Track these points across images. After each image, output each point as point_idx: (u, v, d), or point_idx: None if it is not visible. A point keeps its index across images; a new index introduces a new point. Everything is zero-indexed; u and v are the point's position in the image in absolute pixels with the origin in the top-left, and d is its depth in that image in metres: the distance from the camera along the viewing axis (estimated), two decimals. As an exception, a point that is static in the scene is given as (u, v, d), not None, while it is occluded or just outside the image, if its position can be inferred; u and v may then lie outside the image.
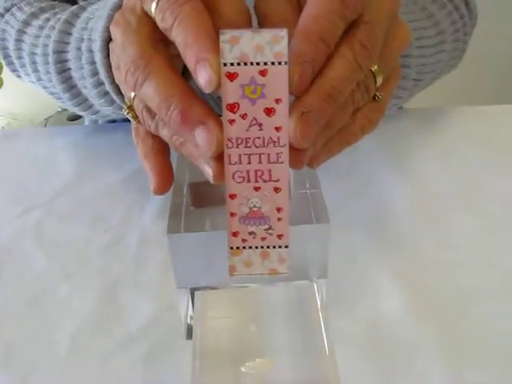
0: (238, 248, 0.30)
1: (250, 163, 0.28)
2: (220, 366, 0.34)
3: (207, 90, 0.27)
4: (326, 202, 0.36)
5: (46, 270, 0.46)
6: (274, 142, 0.27)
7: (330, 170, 0.41)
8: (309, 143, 0.28)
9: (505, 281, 0.43)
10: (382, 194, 0.53)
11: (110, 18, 0.36)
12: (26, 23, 0.52)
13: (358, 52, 0.29)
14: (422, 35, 0.51)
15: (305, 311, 0.37)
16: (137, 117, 0.33)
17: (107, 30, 0.36)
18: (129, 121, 0.35)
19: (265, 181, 0.28)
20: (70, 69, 0.47)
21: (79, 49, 0.44)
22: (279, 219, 0.29)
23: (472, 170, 0.55)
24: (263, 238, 0.30)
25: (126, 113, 0.34)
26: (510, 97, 1.56)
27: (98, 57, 0.38)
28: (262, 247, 0.30)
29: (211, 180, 0.29)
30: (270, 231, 0.29)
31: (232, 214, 0.29)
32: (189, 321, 0.39)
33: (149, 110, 0.32)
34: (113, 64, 0.36)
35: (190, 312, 0.38)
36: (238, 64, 0.26)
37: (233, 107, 0.27)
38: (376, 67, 0.31)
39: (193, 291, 0.37)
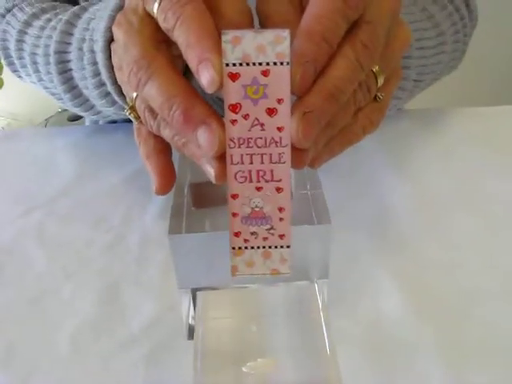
0: (239, 248, 0.30)
1: (251, 163, 0.28)
2: (221, 366, 0.34)
3: (210, 90, 0.27)
4: (327, 203, 0.36)
5: (48, 271, 0.46)
6: (276, 142, 0.27)
7: (331, 171, 0.41)
8: (310, 143, 0.28)
9: (506, 281, 0.44)
10: (382, 194, 0.53)
11: (112, 19, 0.36)
12: (27, 24, 0.52)
13: (360, 52, 0.29)
14: (423, 36, 0.51)
15: (306, 311, 0.37)
16: (139, 117, 0.33)
17: (109, 30, 0.36)
18: (129, 121, 0.35)
19: (267, 181, 0.28)
20: (71, 69, 0.47)
21: (81, 49, 0.44)
22: (281, 219, 0.29)
23: (472, 171, 0.55)
24: (265, 238, 0.30)
25: (128, 113, 0.34)
26: (509, 98, 1.56)
27: (100, 57, 0.38)
28: (263, 247, 0.30)
29: (213, 180, 0.29)
30: (271, 231, 0.29)
31: (234, 214, 0.29)
32: (190, 321, 0.39)
33: (151, 111, 0.32)
34: (115, 65, 0.36)
35: (192, 312, 0.38)
36: (240, 64, 0.26)
37: (235, 107, 0.27)
38: (377, 67, 0.31)
39: (194, 292, 0.37)
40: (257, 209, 0.29)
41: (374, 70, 0.31)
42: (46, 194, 0.55)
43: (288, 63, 0.26)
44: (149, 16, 0.31)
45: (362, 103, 0.32)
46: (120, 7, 0.37)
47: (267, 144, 0.27)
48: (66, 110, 1.58)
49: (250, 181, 0.28)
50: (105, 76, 0.39)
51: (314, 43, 0.28)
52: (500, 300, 0.42)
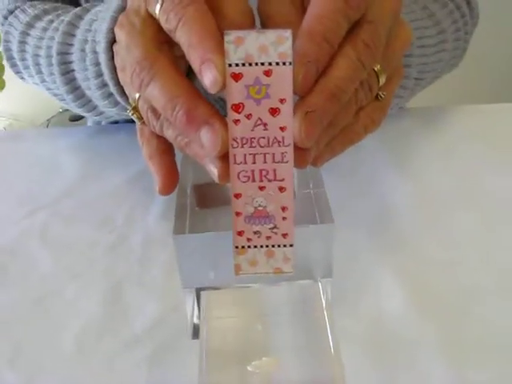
0: (243, 247, 0.30)
1: (254, 163, 0.28)
2: (226, 366, 0.34)
3: (212, 90, 0.27)
4: (329, 202, 0.36)
5: (52, 271, 0.47)
6: (279, 141, 0.28)
7: (332, 170, 0.41)
8: (313, 142, 0.28)
9: (506, 279, 0.44)
10: (383, 192, 0.53)
11: (114, 20, 0.36)
12: (30, 25, 0.52)
13: (362, 51, 0.29)
14: (423, 34, 0.51)
15: (309, 310, 0.37)
16: (141, 118, 0.34)
17: (111, 31, 0.36)
18: (132, 122, 0.35)
19: (270, 180, 0.28)
20: (73, 70, 0.47)
21: (83, 50, 0.44)
22: (284, 218, 0.29)
23: (473, 169, 0.55)
24: (268, 237, 0.30)
25: (130, 114, 0.34)
26: (510, 95, 1.56)
27: (103, 58, 0.38)
28: (266, 246, 0.30)
29: (216, 180, 0.29)
30: (274, 230, 0.30)
31: (237, 214, 0.29)
32: (194, 320, 0.39)
33: (154, 111, 0.32)
34: (117, 65, 0.36)
35: (196, 312, 0.38)
36: (243, 64, 0.26)
37: (238, 107, 0.27)
38: (379, 67, 0.32)
39: (198, 291, 0.38)
40: (260, 208, 0.29)
41: (376, 69, 0.31)
42: (50, 195, 0.55)
43: (290, 63, 0.26)
44: (151, 17, 0.32)
45: (363, 102, 0.32)
46: (122, 8, 0.37)
47: (270, 144, 0.28)
48: (67, 110, 1.57)
49: (253, 180, 0.28)
50: (107, 77, 0.39)
51: (316, 43, 0.28)
52: (499, 297, 0.42)
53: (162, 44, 0.31)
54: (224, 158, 0.28)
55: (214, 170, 0.29)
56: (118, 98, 0.40)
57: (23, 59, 0.53)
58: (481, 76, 1.59)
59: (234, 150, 0.28)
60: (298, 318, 0.37)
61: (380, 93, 0.33)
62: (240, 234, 0.30)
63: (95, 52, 0.43)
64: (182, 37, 0.29)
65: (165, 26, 0.30)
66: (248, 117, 0.27)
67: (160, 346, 0.40)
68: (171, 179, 0.34)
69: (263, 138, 0.27)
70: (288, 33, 0.26)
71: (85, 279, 0.46)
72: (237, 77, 0.26)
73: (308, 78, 0.28)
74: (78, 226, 0.51)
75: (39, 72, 0.52)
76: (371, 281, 0.44)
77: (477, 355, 0.38)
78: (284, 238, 0.30)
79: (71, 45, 0.47)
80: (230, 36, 0.26)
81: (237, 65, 0.26)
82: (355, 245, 0.47)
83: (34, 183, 0.57)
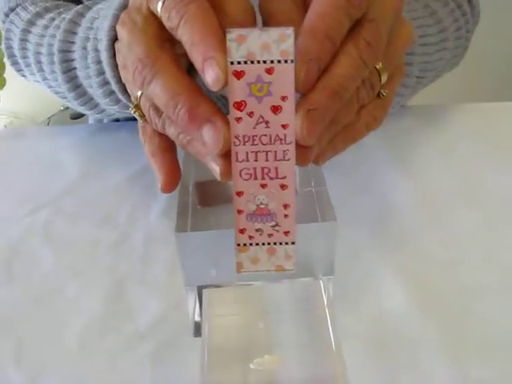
0: (244, 245, 0.30)
1: (256, 160, 0.28)
2: (229, 363, 0.34)
3: (215, 88, 0.27)
4: (331, 200, 0.36)
5: (54, 269, 0.47)
6: (281, 139, 0.28)
7: (333, 168, 0.41)
8: (315, 140, 0.28)
9: (508, 277, 0.44)
10: (385, 191, 0.53)
11: (116, 18, 0.36)
12: (31, 23, 0.53)
13: (363, 49, 0.29)
14: (425, 33, 0.51)
15: (311, 308, 0.37)
16: (143, 115, 0.34)
17: (113, 29, 0.36)
18: (133, 119, 0.35)
19: (271, 178, 0.28)
20: (75, 68, 0.47)
21: (85, 48, 0.44)
22: (286, 216, 0.29)
23: (474, 167, 0.55)
24: (270, 235, 0.30)
25: (132, 112, 0.34)
26: (510, 94, 1.56)
27: (104, 56, 0.38)
28: (268, 244, 0.30)
29: (218, 178, 0.29)
30: (276, 228, 0.30)
31: (239, 211, 0.29)
32: (196, 318, 0.39)
33: (156, 109, 0.32)
34: (119, 63, 0.36)
35: (198, 310, 0.39)
36: (245, 62, 0.26)
37: (240, 105, 0.27)
38: (381, 65, 0.32)
39: (200, 289, 0.38)
40: (262, 206, 0.29)
41: (378, 67, 0.31)
42: (51, 193, 0.55)
43: (292, 61, 0.26)
44: (153, 15, 0.32)
45: (365, 100, 0.32)
46: (124, 6, 0.37)
47: (272, 141, 0.28)
48: (68, 108, 1.57)
49: (255, 178, 0.28)
50: (109, 75, 0.39)
51: (318, 41, 0.28)
52: (501, 295, 0.42)
53: (164, 42, 0.31)
54: (226, 155, 0.28)
55: (215, 168, 0.29)
56: (120, 96, 0.40)
57: (24, 57, 0.54)
58: (481, 74, 1.59)
59: (235, 148, 0.28)
60: (299, 315, 0.37)
61: (382, 91, 0.33)
62: (242, 231, 0.30)
63: (97, 50, 0.43)
64: (183, 35, 0.29)
65: (167, 23, 0.30)
66: (250, 114, 0.27)
67: (162, 344, 0.40)
68: (173, 177, 0.34)
69: (265, 135, 0.27)
70: (290, 30, 0.26)
71: (87, 277, 0.46)
72: (239, 74, 0.26)
73: (310, 75, 0.28)
74: (79, 224, 0.51)
75: (41, 70, 0.52)
76: (373, 279, 0.44)
77: (479, 353, 0.38)
78: (286, 235, 0.30)
79: (73, 43, 0.47)
80: (232, 34, 0.26)
81: (239, 62, 0.26)
82: (356, 243, 0.47)
83: (35, 181, 0.57)
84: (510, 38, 1.64)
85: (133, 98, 0.34)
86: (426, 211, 0.51)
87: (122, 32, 0.33)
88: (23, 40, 0.53)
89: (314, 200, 0.37)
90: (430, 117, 0.63)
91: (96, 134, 0.63)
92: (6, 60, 0.57)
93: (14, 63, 0.56)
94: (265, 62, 0.26)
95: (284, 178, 0.28)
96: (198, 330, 0.39)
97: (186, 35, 0.29)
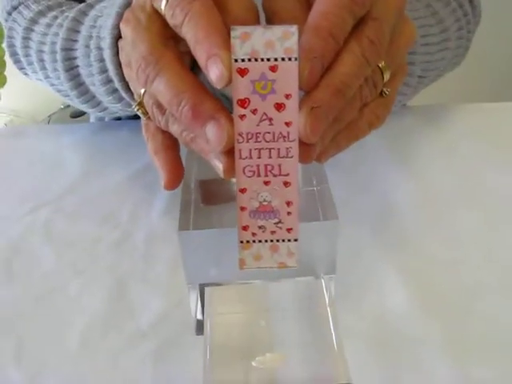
0: (247, 242, 0.30)
1: (260, 158, 0.28)
2: (231, 361, 0.34)
3: (219, 85, 0.27)
4: (333, 199, 0.36)
5: (55, 268, 0.47)
6: (284, 136, 0.28)
7: (335, 166, 0.41)
8: (318, 138, 0.28)
9: (509, 277, 0.44)
10: (385, 190, 0.53)
11: (119, 16, 0.36)
12: (34, 21, 0.53)
13: (366, 48, 0.29)
14: (427, 33, 0.51)
15: (313, 307, 0.37)
16: (147, 113, 0.34)
17: (116, 27, 0.37)
18: (135, 118, 0.35)
19: (275, 175, 0.29)
20: (77, 66, 0.47)
21: (88, 46, 0.44)
22: (289, 213, 0.29)
23: (475, 167, 0.56)
24: (273, 232, 0.30)
25: (136, 109, 0.34)
26: (511, 94, 1.56)
27: (108, 54, 0.38)
28: (271, 241, 0.30)
29: (221, 175, 0.29)
30: (279, 225, 0.30)
31: (242, 208, 0.29)
32: (198, 316, 0.39)
33: (159, 106, 0.32)
34: (122, 61, 0.36)
35: (200, 308, 0.39)
36: (249, 60, 0.26)
37: (243, 102, 0.27)
38: (383, 63, 0.32)
39: (202, 287, 0.38)
40: (265, 203, 0.29)
41: (380, 65, 0.32)
42: (53, 192, 0.55)
43: (296, 59, 0.26)
44: (156, 13, 0.32)
45: (368, 98, 0.32)
46: (127, 4, 0.37)
47: (275, 139, 0.28)
48: (68, 106, 1.57)
49: (258, 175, 0.28)
50: (112, 73, 0.39)
51: (322, 39, 0.28)
52: (502, 295, 0.42)
53: (168, 39, 0.31)
54: (229, 152, 0.28)
55: (219, 165, 0.29)
56: (123, 94, 0.40)
57: (27, 55, 0.54)
58: (482, 74, 1.60)
59: (239, 145, 0.28)
60: (301, 314, 0.37)
61: (384, 89, 0.33)
62: (245, 228, 0.30)
63: (100, 48, 0.43)
64: (188, 32, 0.29)
65: (170, 21, 0.30)
66: (254, 112, 0.27)
67: (164, 342, 0.40)
68: (176, 174, 0.34)
69: (268, 133, 0.27)
70: (294, 28, 0.26)
71: (88, 276, 0.46)
72: (243, 72, 0.27)
73: (314, 73, 0.28)
74: (80, 223, 0.51)
75: (43, 68, 0.52)
76: (374, 277, 0.44)
77: (480, 353, 0.38)
78: (288, 232, 0.30)
79: (75, 41, 0.47)
80: (237, 31, 0.26)
81: (243, 60, 0.26)
82: (357, 242, 0.47)
83: (36, 180, 0.57)
84: (511, 39, 1.64)
85: (136, 96, 0.34)
86: (427, 210, 0.51)
87: (125, 30, 0.33)
88: (26, 38, 0.53)
89: (315, 199, 0.37)
90: (431, 116, 0.63)
91: (97, 132, 0.63)
92: (6, 58, 0.57)
93: (17, 61, 0.56)
94: (269, 59, 0.26)
95: (287, 175, 0.28)
96: (200, 328, 0.39)
97: (190, 33, 0.29)
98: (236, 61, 0.26)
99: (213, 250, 0.36)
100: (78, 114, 1.56)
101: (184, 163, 0.36)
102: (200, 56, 0.28)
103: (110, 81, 0.43)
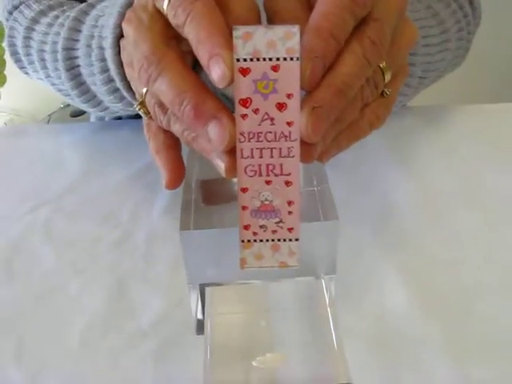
0: (249, 241, 0.30)
1: (261, 157, 0.28)
2: (231, 361, 0.34)
3: (221, 85, 0.27)
4: (334, 199, 0.36)
5: (56, 267, 0.47)
6: (286, 136, 0.28)
7: (335, 166, 0.41)
8: (319, 137, 0.28)
9: (509, 277, 0.44)
10: (386, 190, 0.53)
11: (121, 16, 0.37)
12: (35, 21, 0.53)
13: (368, 48, 0.30)
14: (428, 34, 0.51)
15: (313, 307, 0.37)
16: (148, 113, 0.34)
17: (118, 27, 0.37)
18: (135, 117, 0.35)
19: (276, 175, 0.29)
20: (79, 66, 0.47)
21: (89, 46, 0.44)
22: (290, 213, 0.29)
23: (475, 167, 0.56)
24: (274, 231, 0.30)
25: (137, 109, 0.34)
26: (511, 95, 1.56)
27: (109, 54, 0.38)
28: (272, 240, 0.30)
29: (223, 174, 0.29)
30: (280, 224, 0.30)
31: (244, 208, 0.29)
32: (199, 316, 0.39)
33: (161, 106, 0.32)
34: (124, 61, 0.36)
35: (200, 308, 0.39)
36: (251, 59, 0.26)
37: (245, 102, 0.27)
38: (384, 64, 0.32)
39: (203, 287, 0.38)
40: (266, 202, 0.29)
41: (382, 66, 0.32)
42: (53, 191, 0.55)
43: (298, 58, 0.26)
44: (159, 12, 0.32)
45: (369, 99, 0.32)
46: (129, 4, 0.37)
47: (277, 138, 0.28)
48: (68, 105, 1.57)
49: (260, 175, 0.29)
50: (114, 72, 0.39)
51: (323, 39, 0.28)
52: (502, 295, 0.42)
53: (170, 39, 0.31)
54: (231, 152, 0.28)
55: (220, 165, 0.29)
56: (125, 93, 0.40)
57: (28, 54, 0.54)
58: (482, 76, 1.60)
59: (241, 145, 0.28)
60: (301, 314, 0.37)
61: (385, 90, 0.33)
62: (246, 227, 0.30)
63: (101, 47, 0.43)
64: (190, 32, 0.29)
65: (173, 21, 0.30)
66: (255, 111, 0.27)
67: (165, 342, 0.40)
68: (178, 174, 0.35)
69: (270, 132, 0.28)
70: (296, 28, 0.26)
71: (89, 275, 0.46)
72: (245, 72, 0.27)
73: (315, 73, 0.28)
74: (81, 222, 0.51)
75: (44, 67, 0.52)
76: (375, 278, 0.44)
77: (480, 353, 0.38)
78: (290, 232, 0.30)
79: (77, 40, 0.47)
80: (239, 31, 0.26)
81: (245, 60, 0.26)
82: (358, 242, 0.47)
83: (36, 179, 0.57)
84: (511, 40, 1.64)
85: (138, 96, 0.34)
86: (427, 211, 0.51)
87: (127, 29, 0.33)
88: (27, 38, 0.53)
89: (316, 199, 0.37)
90: (431, 117, 0.63)
91: (98, 131, 0.63)
92: (6, 57, 0.57)
93: (17, 61, 0.57)
94: (270, 59, 0.26)
95: (289, 174, 0.29)
96: (200, 327, 0.39)
97: (192, 33, 0.29)
98: (238, 60, 0.26)
99: (213, 249, 0.36)
100: (78, 114, 1.56)
101: (185, 163, 0.36)
102: (202, 56, 0.28)
103: (111, 80, 0.43)
